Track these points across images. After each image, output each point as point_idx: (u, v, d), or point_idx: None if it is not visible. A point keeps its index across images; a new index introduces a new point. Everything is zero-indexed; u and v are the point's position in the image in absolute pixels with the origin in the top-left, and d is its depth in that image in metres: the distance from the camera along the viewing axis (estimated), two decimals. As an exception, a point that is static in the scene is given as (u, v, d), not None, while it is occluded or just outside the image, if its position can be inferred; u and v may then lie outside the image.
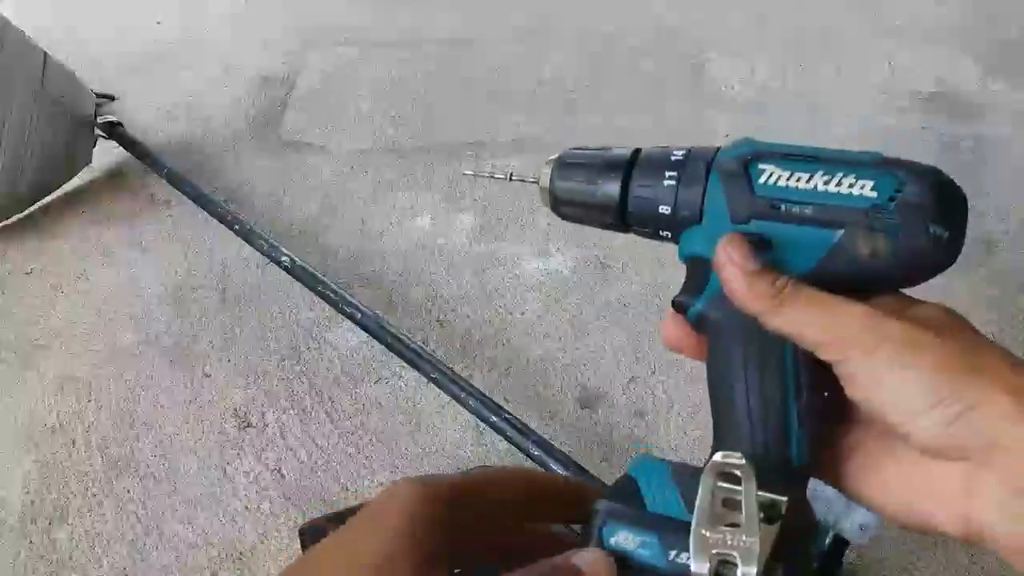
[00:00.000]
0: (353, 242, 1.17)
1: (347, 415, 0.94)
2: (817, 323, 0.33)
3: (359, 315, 0.94)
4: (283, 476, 0.89)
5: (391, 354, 0.93)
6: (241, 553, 0.83)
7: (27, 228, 1.25)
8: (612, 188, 0.39)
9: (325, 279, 0.98)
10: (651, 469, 0.35)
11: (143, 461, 0.91)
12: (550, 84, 1.44)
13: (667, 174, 0.37)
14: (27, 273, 1.17)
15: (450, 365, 0.88)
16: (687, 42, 1.52)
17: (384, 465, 0.89)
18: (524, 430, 0.80)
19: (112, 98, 1.48)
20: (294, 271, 1.01)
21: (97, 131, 1.32)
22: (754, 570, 0.30)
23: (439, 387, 0.87)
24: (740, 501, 0.31)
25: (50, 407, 0.98)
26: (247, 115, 1.43)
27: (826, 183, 0.34)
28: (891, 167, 0.33)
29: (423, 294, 1.08)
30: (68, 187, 1.31)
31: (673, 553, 0.32)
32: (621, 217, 0.39)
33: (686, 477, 0.34)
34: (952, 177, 0.33)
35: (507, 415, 0.81)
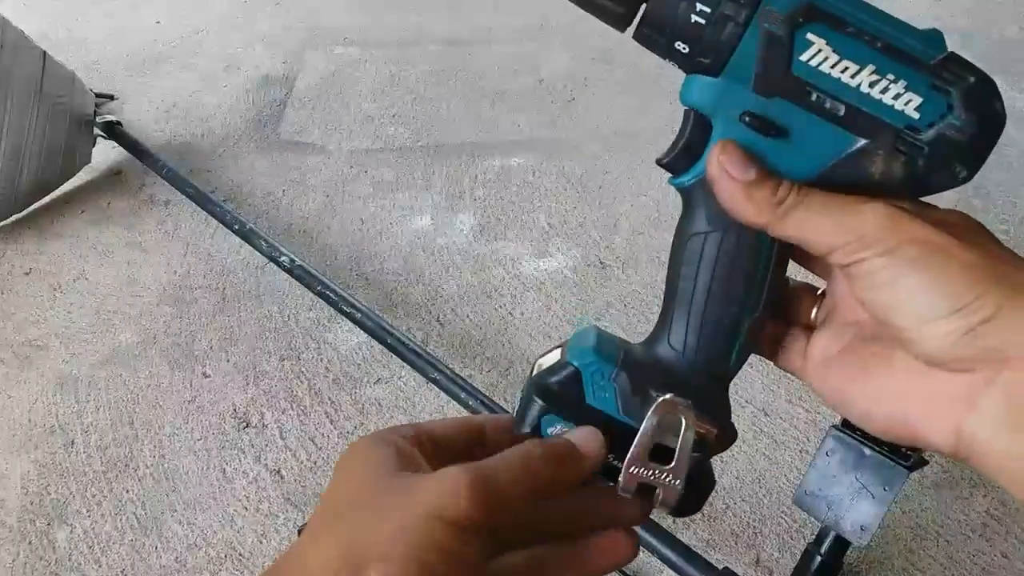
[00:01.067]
0: (353, 242, 1.16)
1: (347, 415, 0.94)
2: (831, 226, 0.30)
3: (359, 315, 0.93)
4: (282, 476, 0.89)
5: (391, 354, 0.92)
6: (240, 554, 0.83)
7: (26, 228, 1.25)
8: None
9: (325, 279, 0.98)
10: (595, 368, 0.35)
11: (142, 461, 0.91)
12: (550, 83, 1.44)
13: (699, 7, 0.30)
14: (26, 273, 1.17)
15: (450, 365, 0.87)
16: (687, 42, 1.52)
17: (384, 465, 0.89)
18: (524, 430, 0.80)
19: (112, 98, 1.48)
20: (294, 271, 1.01)
21: (96, 131, 1.32)
22: (674, 504, 0.33)
23: (439, 387, 0.87)
24: (675, 440, 0.33)
25: (49, 407, 0.98)
26: (247, 115, 1.43)
27: (872, 84, 0.30)
28: (948, 82, 0.30)
29: (423, 294, 1.08)
30: (67, 187, 1.31)
31: None
32: (626, 22, 0.32)
33: (626, 374, 0.35)
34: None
35: (507, 415, 0.81)
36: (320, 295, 0.98)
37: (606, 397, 0.34)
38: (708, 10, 0.30)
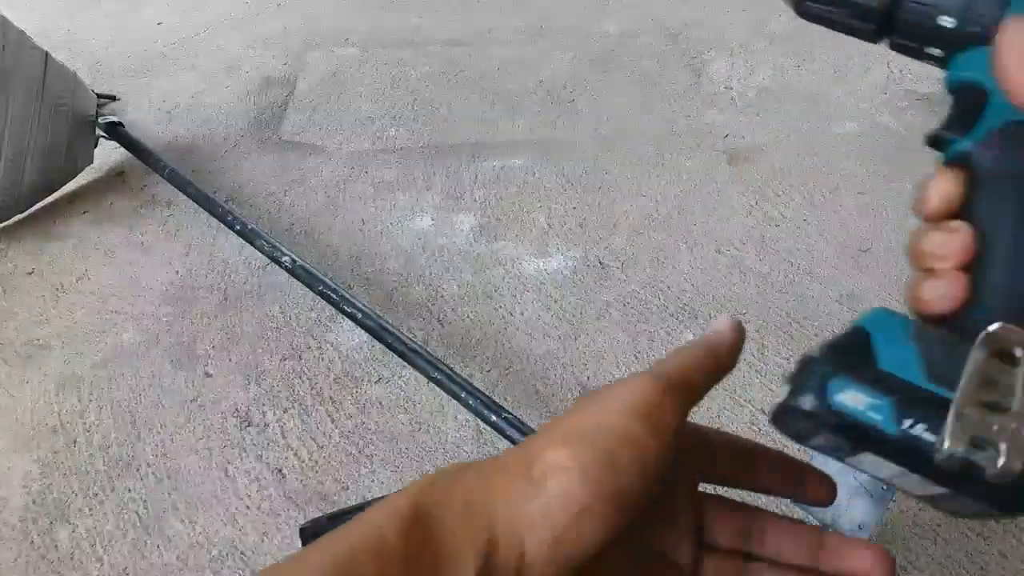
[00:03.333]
0: (353, 242, 1.17)
1: (348, 415, 0.94)
2: None
3: (360, 315, 0.94)
4: (284, 476, 0.89)
5: (391, 354, 0.93)
6: (242, 552, 0.83)
7: (29, 228, 1.25)
8: None
9: (326, 279, 0.99)
10: (888, 323, 0.30)
11: (144, 461, 0.92)
12: (550, 84, 1.45)
13: None
14: (29, 273, 1.17)
15: (450, 365, 0.88)
16: (687, 42, 1.52)
17: (385, 464, 0.89)
18: (524, 430, 0.80)
19: (113, 98, 1.48)
20: (295, 271, 1.01)
21: (98, 131, 1.32)
22: (1020, 466, 0.26)
23: (439, 387, 0.87)
24: (1013, 382, 0.26)
25: (51, 407, 0.98)
26: (248, 115, 1.43)
27: None
28: None
29: (423, 294, 1.08)
30: (70, 187, 1.31)
31: (908, 422, 0.28)
32: (884, 22, 0.32)
33: (928, 339, 0.29)
34: None
35: (507, 415, 0.82)
36: (321, 295, 0.98)
37: (906, 361, 0.29)
38: None
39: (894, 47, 0.32)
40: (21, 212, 1.26)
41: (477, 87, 1.46)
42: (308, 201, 1.25)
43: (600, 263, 1.09)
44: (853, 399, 0.29)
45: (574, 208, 1.19)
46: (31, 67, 1.20)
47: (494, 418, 0.82)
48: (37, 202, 1.27)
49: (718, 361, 0.35)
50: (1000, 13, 0.29)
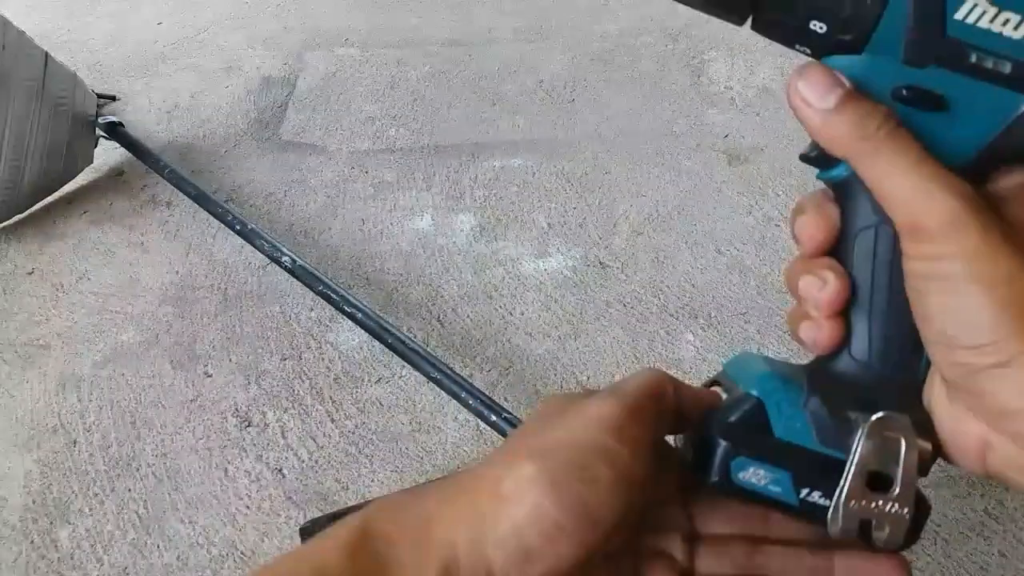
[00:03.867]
0: (354, 242, 1.17)
1: (348, 415, 0.94)
2: (905, 193, 0.26)
3: (360, 315, 0.94)
4: (284, 475, 0.89)
5: (391, 354, 0.93)
6: (242, 552, 0.83)
7: (29, 228, 1.25)
8: None
9: (326, 279, 0.99)
10: (780, 391, 0.31)
11: (144, 461, 0.92)
12: (550, 84, 1.45)
13: None
14: (29, 273, 1.17)
15: (450, 364, 0.88)
16: (687, 42, 1.52)
17: (385, 464, 0.89)
18: (524, 429, 0.80)
19: (113, 98, 1.49)
20: (295, 271, 1.01)
21: (98, 131, 1.32)
22: (902, 539, 0.29)
23: (439, 387, 0.87)
24: (898, 457, 0.28)
25: (51, 407, 0.98)
26: (248, 115, 1.43)
27: None
28: None
29: (423, 294, 1.08)
30: (69, 187, 1.31)
31: (806, 491, 0.30)
32: (751, 7, 0.30)
33: (816, 402, 0.31)
34: None
35: (507, 414, 0.82)
36: (321, 295, 0.98)
37: (798, 428, 0.30)
38: None
39: (761, 31, 0.31)
40: (21, 212, 1.26)
41: (477, 87, 1.46)
42: (308, 201, 1.25)
43: (600, 263, 1.10)
44: (755, 476, 0.31)
45: (574, 208, 1.19)
46: (31, 67, 1.20)
47: (494, 418, 0.82)
48: (37, 202, 1.27)
49: (662, 404, 0.33)
50: (871, 25, 0.27)
